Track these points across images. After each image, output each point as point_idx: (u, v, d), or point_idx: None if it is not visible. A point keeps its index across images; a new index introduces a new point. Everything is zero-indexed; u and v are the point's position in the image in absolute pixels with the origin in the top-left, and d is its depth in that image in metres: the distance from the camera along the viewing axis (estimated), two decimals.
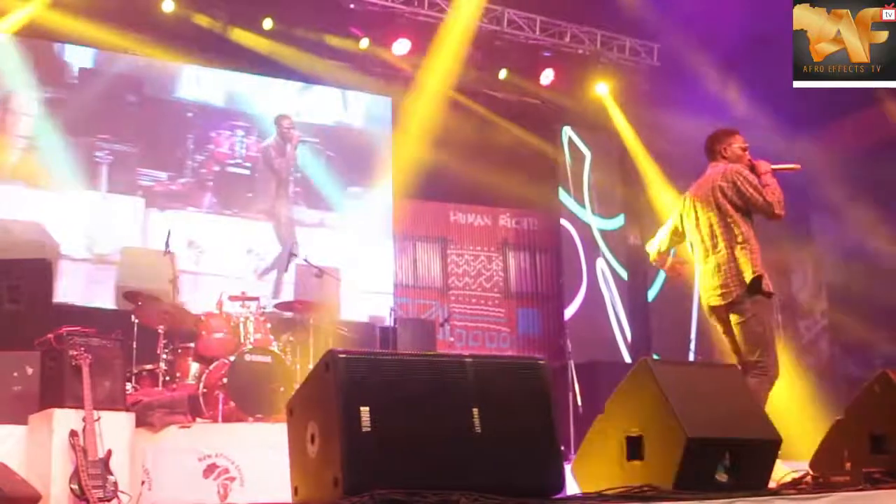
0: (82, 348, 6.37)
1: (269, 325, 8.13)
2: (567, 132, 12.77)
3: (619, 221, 12.84)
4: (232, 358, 7.51)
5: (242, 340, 7.84)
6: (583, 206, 12.67)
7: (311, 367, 8.25)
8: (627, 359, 12.09)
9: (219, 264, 10.65)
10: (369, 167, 11.92)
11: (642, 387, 3.98)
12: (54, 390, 6.39)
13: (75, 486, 5.88)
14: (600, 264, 12.53)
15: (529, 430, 3.55)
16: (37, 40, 10.23)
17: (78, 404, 6.17)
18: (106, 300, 10.03)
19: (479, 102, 12.19)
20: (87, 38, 10.27)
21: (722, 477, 3.85)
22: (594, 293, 12.40)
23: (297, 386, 7.57)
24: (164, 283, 8.74)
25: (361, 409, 3.26)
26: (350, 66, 11.65)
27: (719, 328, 5.79)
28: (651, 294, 12.55)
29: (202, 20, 10.72)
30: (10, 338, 6.68)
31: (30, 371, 6.75)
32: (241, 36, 10.94)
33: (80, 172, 10.33)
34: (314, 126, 11.75)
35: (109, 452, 6.08)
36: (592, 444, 4.23)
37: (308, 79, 11.62)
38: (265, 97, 11.57)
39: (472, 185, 11.84)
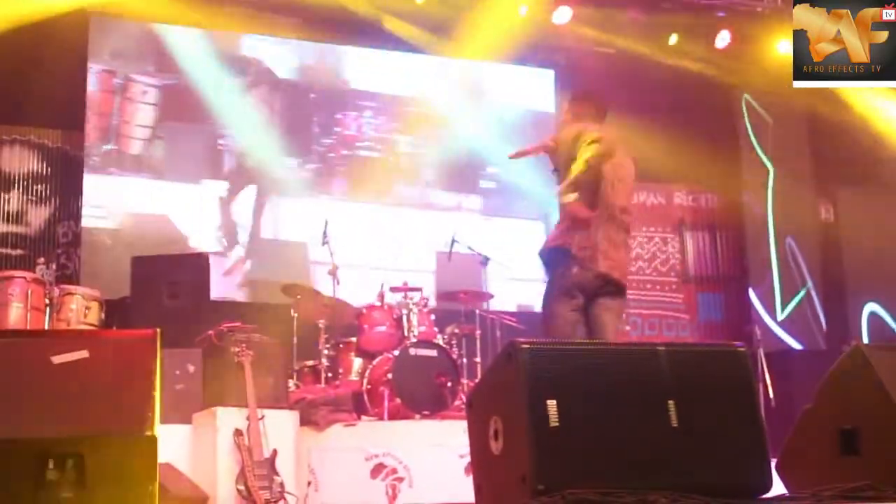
0: (244, 345, 6.57)
1: (433, 317, 8.19)
2: (747, 99, 12.44)
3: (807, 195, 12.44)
4: (396, 352, 7.59)
5: (406, 333, 7.92)
6: (766, 179, 12.32)
7: (478, 359, 8.35)
8: (819, 345, 11.73)
9: (356, 254, 10.41)
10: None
11: (856, 375, 3.83)
12: (217, 388, 6.63)
13: (242, 487, 6.07)
14: (789, 242, 12.17)
15: (731, 424, 3.47)
16: (151, 24, 10.30)
17: (241, 402, 6.36)
18: (236, 293, 10.14)
19: (648, 71, 11.97)
20: (202, 21, 10.35)
21: None
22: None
23: (464, 381, 7.70)
24: (296, 273, 8.66)
25: (548, 402, 3.24)
26: (508, 38, 11.60)
27: None
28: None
29: None
30: (171, 335, 6.86)
31: (191, 369, 7.00)
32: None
33: (203, 162, 10.47)
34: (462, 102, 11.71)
35: (275, 452, 6.24)
36: (800, 439, 4.09)
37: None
38: (397, 74, 11.50)
39: (642, 160, 11.55)
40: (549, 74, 12.06)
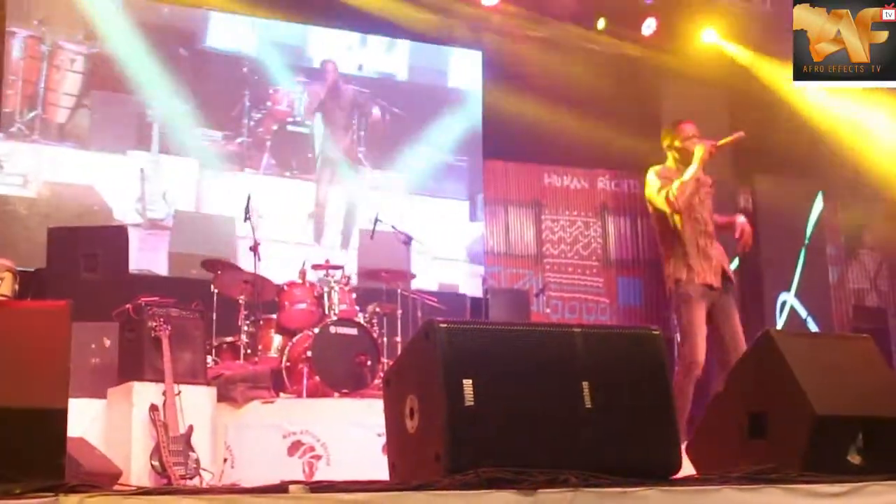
0: (161, 319, 6.48)
1: (354, 296, 8.18)
2: (670, 86, 12.58)
3: (727, 183, 12.63)
4: (316, 330, 7.57)
5: (327, 311, 7.90)
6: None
7: (398, 339, 8.36)
8: None
9: (281, 230, 10.57)
10: (457, 125, 11.89)
11: (765, 360, 3.91)
12: (133, 363, 6.52)
13: (156, 463, 6.00)
14: None
15: (644, 406, 3.52)
16: None
17: (158, 377, 6.28)
18: (159, 267, 10.05)
19: (575, 55, 12.05)
20: None
21: (854, 458, 3.77)
22: None
23: (384, 359, 7.70)
24: (221, 248, 8.67)
25: (464, 381, 3.25)
26: (436, 17, 11.59)
27: None
28: None
29: None
30: (87, 308, 6.79)
31: (107, 343, 6.91)
32: None
33: (130, 132, 10.35)
34: (389, 80, 11.78)
35: (191, 428, 6.19)
36: (710, 422, 4.17)
37: (390, 32, 11.64)
38: (329, 49, 11.57)
39: (567, 144, 11.75)
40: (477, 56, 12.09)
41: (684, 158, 6.40)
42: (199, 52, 10.82)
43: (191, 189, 10.53)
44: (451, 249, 9.61)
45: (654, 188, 6.33)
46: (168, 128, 10.46)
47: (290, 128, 11.15)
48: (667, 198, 6.21)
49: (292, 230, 10.65)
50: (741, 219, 6.45)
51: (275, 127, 11.07)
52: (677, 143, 6.48)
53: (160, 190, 10.32)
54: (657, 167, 6.47)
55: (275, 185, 10.88)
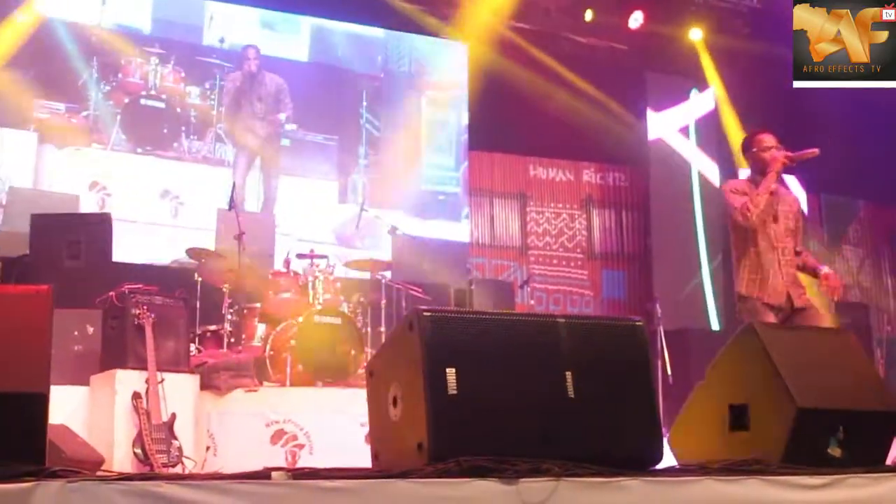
0: (145, 307, 6.46)
1: (338, 285, 8.16)
2: (656, 80, 12.60)
3: (714, 176, 12.67)
4: (300, 319, 7.55)
5: (311, 301, 7.88)
6: None
7: (382, 329, 8.34)
8: (716, 326, 12.00)
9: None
10: (442, 117, 11.88)
11: (748, 352, 3.92)
12: (116, 350, 6.50)
13: (139, 451, 5.99)
14: (694, 223, 12.40)
15: (626, 397, 3.52)
16: None
17: (141, 365, 6.26)
18: None
19: (562, 47, 12.05)
20: None
21: (835, 451, 3.78)
22: None
23: (368, 349, 7.69)
24: None
25: (447, 370, 3.25)
26: (421, 9, 11.58)
27: None
28: None
29: None
30: (70, 296, 6.76)
31: (90, 330, 6.89)
32: None
33: None
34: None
35: (174, 416, 6.17)
36: (691, 413, 4.18)
37: (379, 24, 11.60)
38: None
39: (553, 136, 11.75)
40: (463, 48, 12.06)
41: (759, 167, 6.26)
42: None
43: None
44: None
45: (733, 204, 6.17)
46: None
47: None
48: (743, 213, 6.08)
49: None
50: (825, 269, 6.27)
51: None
52: (754, 152, 6.32)
53: None
54: (731, 183, 6.44)
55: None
